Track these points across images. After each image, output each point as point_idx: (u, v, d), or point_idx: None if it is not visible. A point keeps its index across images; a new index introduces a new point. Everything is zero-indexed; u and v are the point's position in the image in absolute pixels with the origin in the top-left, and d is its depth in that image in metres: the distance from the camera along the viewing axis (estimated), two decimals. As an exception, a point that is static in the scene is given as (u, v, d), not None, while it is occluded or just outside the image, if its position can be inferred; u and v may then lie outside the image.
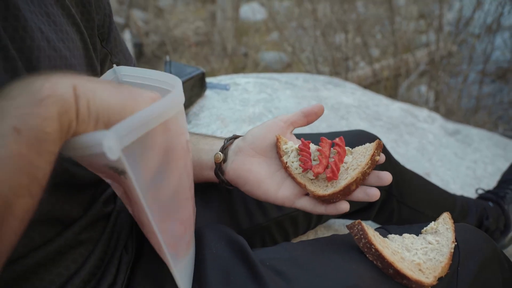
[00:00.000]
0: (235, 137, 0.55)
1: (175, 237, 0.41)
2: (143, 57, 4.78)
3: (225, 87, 1.09)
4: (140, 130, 0.31)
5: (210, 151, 0.54)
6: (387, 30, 3.71)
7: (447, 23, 3.47)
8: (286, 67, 4.11)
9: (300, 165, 0.47)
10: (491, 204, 0.89)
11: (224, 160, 0.52)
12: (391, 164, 0.72)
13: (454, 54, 3.24)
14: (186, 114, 1.03)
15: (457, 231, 0.47)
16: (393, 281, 0.40)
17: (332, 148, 0.48)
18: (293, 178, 0.48)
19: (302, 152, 0.47)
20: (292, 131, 0.53)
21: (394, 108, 1.50)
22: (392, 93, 3.19)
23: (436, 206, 0.79)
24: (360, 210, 0.77)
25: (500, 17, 2.79)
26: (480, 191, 0.97)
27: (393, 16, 3.36)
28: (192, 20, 4.61)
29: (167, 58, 1.03)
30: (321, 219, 0.74)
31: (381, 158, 0.45)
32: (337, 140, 0.47)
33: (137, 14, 4.90)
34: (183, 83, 0.97)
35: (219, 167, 0.52)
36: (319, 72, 3.65)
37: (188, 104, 1.04)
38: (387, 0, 3.18)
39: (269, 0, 4.67)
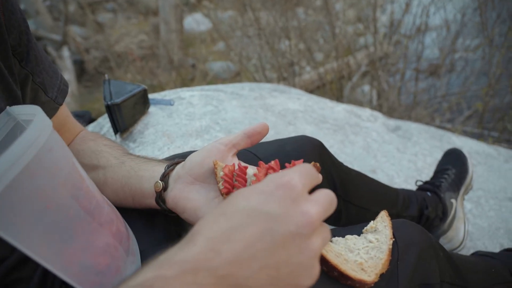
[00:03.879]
0: (177, 163, 0.53)
1: (97, 272, 0.38)
2: (85, 74, 4.57)
3: (169, 103, 1.07)
4: (7, 176, 0.27)
5: (151, 178, 0.52)
6: (328, 35, 3.87)
7: (382, 26, 3.69)
8: (235, 76, 4.14)
9: (222, 190, 0.45)
10: (429, 194, 0.95)
11: (165, 189, 0.50)
12: (334, 165, 0.75)
13: (391, 54, 3.45)
14: (130, 132, 1.00)
15: (394, 228, 0.49)
16: (339, 283, 0.41)
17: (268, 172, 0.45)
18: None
19: (238, 178, 0.45)
20: (234, 153, 0.51)
21: (339, 110, 1.56)
22: (338, 95, 3.33)
23: (380, 202, 0.82)
24: None
25: (427, 19, 3.02)
26: (419, 183, 1.03)
27: (333, 21, 3.51)
28: (135, 33, 4.50)
29: (106, 76, 0.99)
30: None
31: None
32: (272, 163, 0.45)
33: (75, 30, 4.69)
34: (124, 101, 0.94)
35: (159, 196, 0.51)
36: (267, 79, 3.71)
37: (131, 122, 1.00)
38: (324, 6, 3.32)
39: (212, 10, 4.69)
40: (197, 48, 4.45)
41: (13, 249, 0.42)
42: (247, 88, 1.39)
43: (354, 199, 0.77)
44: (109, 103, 0.91)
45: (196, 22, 4.46)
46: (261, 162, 0.45)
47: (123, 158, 0.57)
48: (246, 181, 0.45)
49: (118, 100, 0.92)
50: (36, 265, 0.45)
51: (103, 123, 1.08)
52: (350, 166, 0.88)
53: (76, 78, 4.17)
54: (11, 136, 0.36)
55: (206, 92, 1.20)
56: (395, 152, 1.39)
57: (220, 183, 0.46)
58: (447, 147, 1.40)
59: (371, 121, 1.57)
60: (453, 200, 0.99)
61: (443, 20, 3.14)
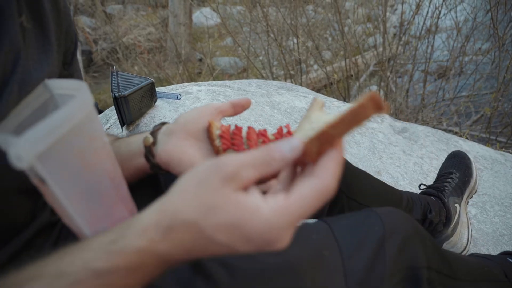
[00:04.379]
0: (164, 123, 0.55)
1: None
2: (93, 65, 4.59)
3: (176, 97, 1.07)
4: (51, 136, 0.31)
5: (139, 139, 0.54)
6: (337, 33, 3.85)
7: (392, 26, 3.66)
8: (242, 72, 4.13)
9: (220, 146, 0.47)
10: (433, 198, 0.94)
11: (154, 143, 0.51)
12: None
13: (400, 55, 3.42)
14: (137, 125, 1.00)
15: (383, 214, 0.54)
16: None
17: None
18: (215, 149, 0.49)
19: (235, 136, 0.47)
20: (221, 119, 0.54)
21: (345, 109, 1.55)
22: (345, 94, 3.31)
23: (383, 201, 0.82)
24: None
25: (438, 20, 2.99)
26: (422, 187, 1.02)
27: (342, 20, 3.48)
28: (143, 26, 4.50)
29: (114, 68, 0.99)
30: None
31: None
32: (261, 130, 0.48)
33: (84, 21, 4.70)
34: (132, 94, 0.94)
35: (149, 150, 0.51)
36: (273, 76, 3.70)
37: (138, 115, 1.00)
38: (334, 4, 3.29)
39: (221, 5, 4.67)
40: (204, 43, 4.45)
41: (34, 217, 0.45)
42: (254, 85, 1.39)
43: (357, 196, 0.77)
44: (116, 95, 0.92)
45: (204, 16, 4.44)
46: (250, 127, 0.48)
47: (116, 138, 0.61)
48: (242, 139, 0.47)
49: (125, 93, 0.92)
50: (50, 233, 0.48)
51: (110, 114, 1.08)
52: (355, 166, 0.88)
53: (83, 68, 4.18)
54: (42, 108, 0.39)
55: (213, 87, 1.20)
56: (401, 154, 1.38)
57: (218, 140, 0.48)
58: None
59: (378, 122, 1.56)
60: (456, 205, 0.98)
61: (453, 22, 3.11)
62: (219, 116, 0.53)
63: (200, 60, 4.31)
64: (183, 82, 3.81)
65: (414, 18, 3.09)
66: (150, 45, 4.35)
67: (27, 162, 0.29)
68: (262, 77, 3.70)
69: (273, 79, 3.66)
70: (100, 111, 1.29)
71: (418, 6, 2.88)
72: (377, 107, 0.30)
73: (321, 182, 0.30)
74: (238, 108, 0.53)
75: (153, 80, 1.00)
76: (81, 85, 0.36)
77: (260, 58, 4.02)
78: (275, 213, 0.29)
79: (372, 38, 4.23)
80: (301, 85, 3.58)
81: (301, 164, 0.35)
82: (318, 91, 3.66)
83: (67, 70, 0.57)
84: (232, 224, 0.29)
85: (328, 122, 0.32)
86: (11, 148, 0.28)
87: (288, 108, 1.33)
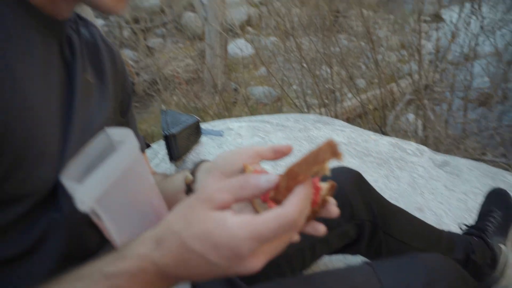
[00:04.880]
0: (203, 161, 0.59)
1: None
2: (134, 96, 4.85)
3: (219, 133, 1.13)
4: (106, 182, 0.37)
5: (182, 176, 0.58)
6: (371, 62, 3.86)
7: (427, 53, 3.63)
8: (276, 101, 4.21)
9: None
10: (475, 238, 0.91)
11: (194, 181, 0.55)
12: (373, 197, 0.75)
13: (437, 83, 3.36)
14: (184, 161, 1.06)
15: (428, 260, 0.54)
16: None
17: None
18: (254, 207, 0.49)
19: None
20: (259, 162, 0.55)
21: (383, 143, 1.55)
22: (381, 124, 3.27)
23: (422, 239, 0.81)
24: (349, 244, 0.79)
25: (476, 46, 2.93)
26: (463, 227, 0.99)
27: (375, 48, 3.49)
28: (182, 58, 4.74)
29: (163, 107, 1.07)
30: (315, 255, 0.76)
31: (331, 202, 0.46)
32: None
33: (127, 54, 5.02)
34: (180, 132, 1.00)
35: (189, 188, 0.55)
36: (307, 104, 3.74)
37: (185, 151, 1.06)
38: (366, 33, 3.32)
39: (255, 36, 4.84)
40: (239, 73, 4.59)
41: (101, 245, 0.51)
42: (292, 120, 1.43)
43: (394, 232, 0.77)
44: (167, 133, 0.98)
45: (239, 47, 4.61)
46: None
47: (164, 176, 0.67)
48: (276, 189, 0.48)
49: (174, 131, 0.99)
50: None
51: (158, 149, 1.15)
52: (395, 203, 0.88)
53: (126, 99, 4.42)
54: (104, 151, 0.46)
55: (253, 123, 1.25)
56: (443, 189, 1.35)
57: None
58: (501, 185, 1.34)
59: (417, 155, 1.54)
60: (502, 245, 0.94)
61: (493, 48, 3.03)
62: (258, 159, 0.55)
63: (235, 89, 4.44)
64: (219, 112, 3.93)
65: (450, 45, 3.05)
66: (188, 76, 4.55)
67: (88, 205, 0.36)
68: (296, 106, 3.75)
69: (307, 108, 3.69)
70: (147, 145, 1.37)
71: (453, 35, 2.85)
72: (333, 153, 0.35)
73: (284, 211, 0.35)
74: (279, 154, 0.54)
75: (199, 119, 1.07)
76: (128, 133, 0.43)
77: (294, 87, 4.09)
78: (239, 224, 0.34)
79: (407, 66, 4.19)
80: (335, 114, 3.58)
81: (277, 202, 0.40)
82: (353, 120, 3.64)
83: (124, 118, 0.63)
84: (203, 233, 0.34)
85: (295, 161, 0.38)
86: (76, 194, 0.35)
87: (326, 143, 1.35)
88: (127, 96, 0.64)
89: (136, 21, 5.05)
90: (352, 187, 0.72)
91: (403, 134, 3.54)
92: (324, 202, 0.44)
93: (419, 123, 3.23)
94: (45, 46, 0.44)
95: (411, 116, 3.56)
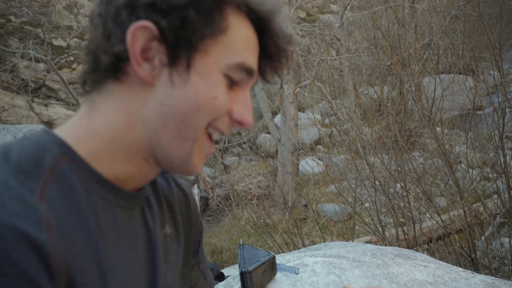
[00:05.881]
0: None
1: None
2: (208, 210, 5.09)
3: (294, 271, 1.12)
4: None
5: None
6: (449, 179, 3.66)
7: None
8: (348, 219, 4.08)
9: None
10: None
11: None
12: None
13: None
14: (257, 299, 1.05)
15: None
16: None
17: None
18: None
19: None
20: None
21: (476, 282, 1.38)
22: (470, 249, 2.93)
23: None
24: None
25: None
26: None
27: (452, 165, 3.34)
28: (254, 175, 5.00)
29: (241, 241, 1.12)
30: None
31: None
32: None
33: (205, 171, 5.46)
34: (256, 269, 1.03)
35: None
36: (382, 223, 3.55)
37: (258, 288, 1.06)
38: (439, 149, 3.23)
39: (326, 154, 5.00)
40: (310, 189, 4.65)
41: None
42: (369, 254, 1.37)
43: None
44: (242, 270, 1.01)
45: (310, 164, 4.77)
46: None
47: None
48: None
49: (250, 268, 1.01)
50: None
51: (232, 283, 1.17)
52: None
53: (200, 213, 4.67)
54: None
55: (329, 259, 1.23)
56: None
57: None
58: None
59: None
60: None
61: None
62: None
63: (305, 206, 4.45)
64: (289, 228, 3.89)
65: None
66: (259, 192, 4.72)
67: None
68: (368, 225, 3.57)
69: (382, 228, 3.49)
70: (221, 276, 1.40)
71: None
72: None
73: None
74: None
75: (274, 255, 1.09)
76: None
77: (366, 205, 3.97)
78: None
79: (493, 184, 3.88)
80: (414, 235, 3.32)
81: None
82: (436, 241, 3.32)
83: (195, 258, 0.61)
84: None
85: None
86: None
87: (408, 282, 1.25)
88: (198, 235, 0.63)
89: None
90: None
91: (499, 262, 3.09)
92: None
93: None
94: (128, 221, 0.45)
95: (506, 241, 3.15)
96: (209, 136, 0.46)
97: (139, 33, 0.40)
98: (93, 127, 0.43)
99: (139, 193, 0.48)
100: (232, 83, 0.44)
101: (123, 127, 0.43)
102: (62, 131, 0.43)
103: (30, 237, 0.33)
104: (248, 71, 0.44)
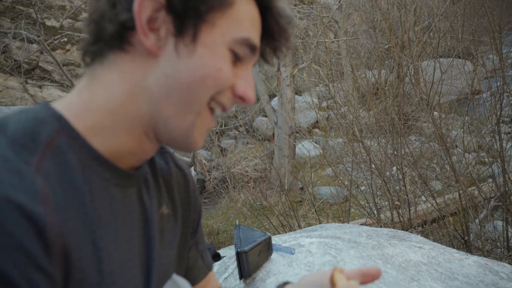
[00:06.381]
0: (286, 283, 0.57)
1: None
2: (204, 192, 5.11)
3: (290, 251, 1.12)
4: None
5: None
6: (445, 163, 3.68)
7: (510, 157, 3.38)
8: (344, 202, 4.11)
9: None
10: None
11: None
12: None
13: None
14: (253, 279, 1.06)
15: None
16: None
17: None
18: None
19: None
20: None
21: (470, 263, 1.39)
22: (464, 232, 2.97)
23: None
24: None
25: None
26: None
27: (448, 149, 3.35)
28: (251, 158, 5.00)
29: (237, 222, 1.12)
30: None
31: None
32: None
33: (202, 153, 5.45)
34: (251, 249, 1.02)
35: None
36: (377, 206, 3.58)
37: (255, 268, 1.07)
38: (436, 133, 3.23)
39: (322, 137, 5.00)
40: (306, 172, 4.66)
41: None
42: (364, 235, 1.38)
43: None
44: (238, 250, 1.01)
45: (307, 148, 4.77)
46: None
47: None
48: None
49: (246, 248, 1.01)
50: None
51: (228, 263, 1.17)
52: None
53: (197, 195, 4.68)
54: None
55: (324, 240, 1.23)
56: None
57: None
58: None
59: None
60: None
61: None
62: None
63: (302, 188, 4.47)
64: (285, 211, 3.92)
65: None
66: (256, 175, 4.73)
67: None
68: (363, 208, 3.61)
69: (377, 210, 3.53)
70: (217, 256, 1.40)
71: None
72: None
73: None
74: (368, 277, 0.52)
75: (270, 235, 1.09)
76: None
77: (362, 188, 3.99)
78: None
79: (488, 168, 3.91)
80: (409, 218, 3.36)
81: None
82: (430, 223, 3.36)
83: (193, 239, 0.61)
84: None
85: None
86: None
87: (402, 262, 1.26)
88: (197, 215, 0.63)
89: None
90: None
91: (491, 245, 3.14)
92: None
93: (511, 230, 2.86)
94: (125, 199, 0.44)
95: (499, 224, 3.19)
96: (211, 111, 0.45)
97: (146, 2, 0.39)
98: (94, 99, 0.42)
99: (137, 172, 0.47)
100: (236, 59, 0.44)
101: (125, 98, 0.42)
102: (61, 105, 0.42)
103: (27, 209, 0.32)
104: (252, 47, 0.44)
